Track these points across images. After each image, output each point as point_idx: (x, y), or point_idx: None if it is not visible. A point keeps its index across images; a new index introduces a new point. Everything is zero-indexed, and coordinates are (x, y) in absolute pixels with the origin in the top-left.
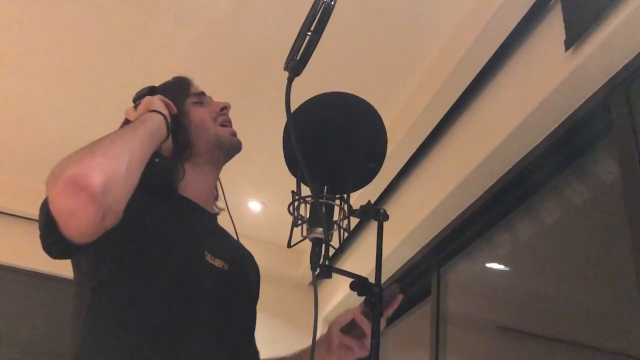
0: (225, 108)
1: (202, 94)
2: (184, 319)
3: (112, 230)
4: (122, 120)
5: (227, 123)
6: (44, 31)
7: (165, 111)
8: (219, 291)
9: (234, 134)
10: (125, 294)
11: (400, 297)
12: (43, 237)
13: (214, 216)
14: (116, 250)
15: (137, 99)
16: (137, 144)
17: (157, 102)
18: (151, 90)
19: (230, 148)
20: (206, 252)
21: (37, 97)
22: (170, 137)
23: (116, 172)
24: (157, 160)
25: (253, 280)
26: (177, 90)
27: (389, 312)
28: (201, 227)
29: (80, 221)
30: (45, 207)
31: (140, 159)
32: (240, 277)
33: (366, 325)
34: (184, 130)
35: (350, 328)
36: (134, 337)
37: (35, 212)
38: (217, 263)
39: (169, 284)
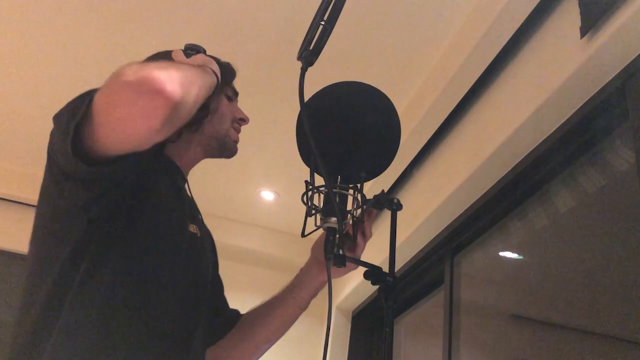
0: (242, 120)
1: (237, 94)
2: (170, 278)
3: (120, 180)
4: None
5: (237, 132)
6: (48, 14)
7: (218, 79)
8: (196, 254)
9: (237, 142)
10: (125, 252)
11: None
12: (65, 134)
13: (185, 181)
14: (113, 201)
15: (191, 49)
16: (202, 88)
17: (216, 67)
18: (203, 52)
19: (227, 149)
20: (189, 222)
21: (31, 83)
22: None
23: (188, 97)
24: None
25: (211, 247)
26: (225, 73)
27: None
28: (185, 195)
29: (142, 124)
30: (86, 100)
31: (199, 103)
32: (207, 243)
33: (358, 237)
34: (205, 108)
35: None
36: (127, 293)
37: (28, 198)
38: (193, 229)
39: (162, 247)
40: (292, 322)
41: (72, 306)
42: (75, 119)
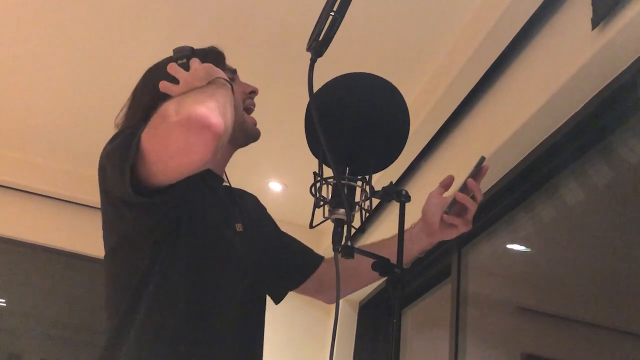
0: (253, 92)
1: (235, 71)
2: (222, 281)
3: (169, 197)
4: (121, 103)
5: (252, 107)
6: (51, 6)
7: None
8: (242, 249)
9: (255, 124)
10: (181, 263)
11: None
12: (121, 174)
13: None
14: (171, 220)
15: (181, 55)
16: (231, 105)
17: (222, 73)
18: (192, 51)
19: (251, 135)
20: (233, 222)
21: (33, 73)
22: None
23: (228, 122)
24: None
25: (263, 226)
26: (215, 60)
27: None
28: (225, 199)
29: (194, 157)
30: (131, 142)
31: (233, 119)
32: (252, 235)
33: (467, 201)
34: None
35: (451, 207)
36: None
37: (41, 188)
38: (238, 227)
39: (212, 255)
40: None
41: (143, 320)
42: (128, 161)
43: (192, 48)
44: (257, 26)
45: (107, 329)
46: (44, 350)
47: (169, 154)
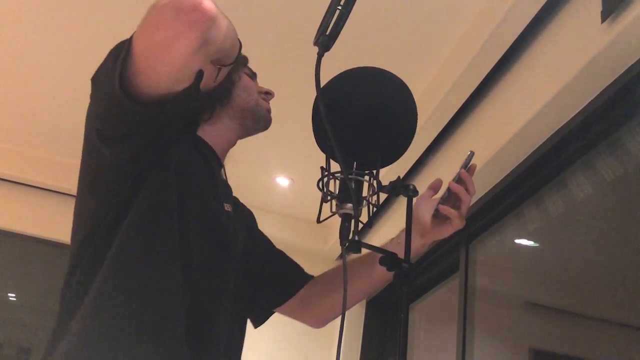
0: (269, 94)
1: (255, 74)
2: (203, 247)
3: (156, 160)
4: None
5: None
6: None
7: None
8: (231, 230)
9: (269, 111)
10: (161, 219)
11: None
12: (112, 75)
13: (221, 166)
14: (160, 179)
15: None
16: (230, 28)
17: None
18: None
19: (262, 119)
20: (223, 201)
21: (31, 64)
22: (220, 71)
23: (221, 21)
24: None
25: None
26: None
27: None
28: (219, 178)
29: (180, 41)
30: (126, 42)
31: (228, 41)
32: (240, 221)
33: (461, 191)
34: (230, 83)
35: (445, 199)
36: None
37: (52, 184)
38: (227, 207)
39: (196, 216)
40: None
41: (105, 273)
42: (120, 56)
43: None
44: (264, 21)
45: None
46: None
47: (157, 39)
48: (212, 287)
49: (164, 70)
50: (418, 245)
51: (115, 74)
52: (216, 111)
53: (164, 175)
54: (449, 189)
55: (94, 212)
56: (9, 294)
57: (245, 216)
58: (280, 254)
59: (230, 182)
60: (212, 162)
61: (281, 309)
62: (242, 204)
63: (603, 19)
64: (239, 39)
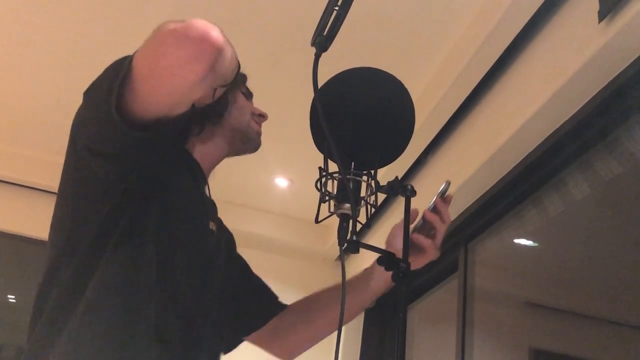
0: (263, 117)
1: (251, 94)
2: (188, 263)
3: (153, 149)
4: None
5: (259, 126)
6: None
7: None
8: (212, 248)
9: (260, 134)
10: (148, 234)
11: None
12: (107, 95)
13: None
14: (147, 194)
15: None
16: (234, 53)
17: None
18: None
19: (251, 141)
20: (209, 219)
21: (29, 65)
22: (217, 91)
23: (227, 49)
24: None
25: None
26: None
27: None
28: (205, 196)
29: (189, 70)
30: (126, 62)
31: (233, 66)
32: (223, 241)
33: (437, 221)
34: (225, 102)
35: (419, 228)
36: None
37: (50, 185)
38: (212, 225)
39: (183, 232)
40: (357, 311)
41: (95, 285)
42: (119, 77)
43: None
44: (262, 22)
45: (43, 307)
46: None
47: (163, 65)
48: (195, 307)
49: (164, 97)
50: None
51: (111, 97)
52: (207, 128)
53: (151, 192)
54: (423, 218)
55: (78, 224)
56: (9, 296)
57: (226, 237)
58: (256, 281)
59: (228, 182)
60: (199, 178)
61: (250, 338)
62: (224, 225)
63: (600, 19)
64: (238, 61)
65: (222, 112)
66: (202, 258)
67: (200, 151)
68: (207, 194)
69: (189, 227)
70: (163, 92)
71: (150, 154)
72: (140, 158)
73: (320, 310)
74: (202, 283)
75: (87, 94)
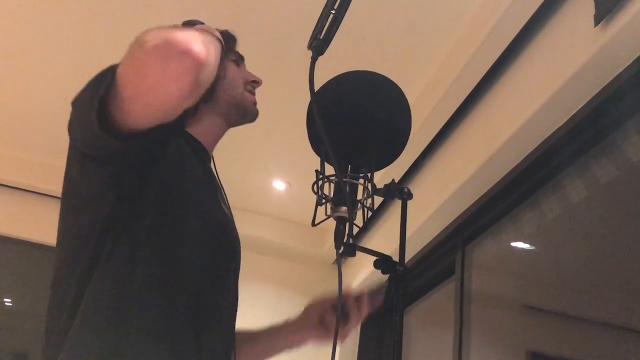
0: (256, 82)
1: (242, 57)
2: (202, 255)
3: (146, 153)
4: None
5: (253, 93)
6: (65, 7)
7: (221, 42)
8: (229, 232)
9: (255, 103)
10: (152, 229)
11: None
12: (88, 110)
13: (211, 158)
14: (156, 186)
15: (189, 24)
16: (217, 48)
17: (216, 32)
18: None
19: (248, 113)
20: (221, 202)
21: (31, 69)
22: None
23: (210, 56)
24: None
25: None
26: (226, 39)
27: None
28: (212, 174)
29: (173, 88)
30: (108, 76)
31: (217, 63)
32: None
33: (355, 312)
34: (215, 79)
35: (337, 309)
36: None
37: (47, 188)
38: (225, 208)
39: (193, 223)
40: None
41: (94, 286)
42: (99, 93)
43: (202, 23)
44: (259, 25)
45: (56, 314)
46: None
47: (147, 84)
48: (215, 294)
49: (152, 112)
50: (299, 338)
51: (92, 113)
52: (200, 107)
53: (159, 184)
54: (344, 302)
55: (87, 226)
56: (5, 299)
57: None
58: None
59: (226, 185)
60: (204, 157)
61: None
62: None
63: (596, 23)
64: (233, 35)
65: (213, 90)
66: (218, 241)
67: (199, 131)
68: (213, 170)
69: (203, 213)
70: (150, 108)
71: (144, 152)
72: (136, 157)
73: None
74: (220, 270)
75: (74, 104)
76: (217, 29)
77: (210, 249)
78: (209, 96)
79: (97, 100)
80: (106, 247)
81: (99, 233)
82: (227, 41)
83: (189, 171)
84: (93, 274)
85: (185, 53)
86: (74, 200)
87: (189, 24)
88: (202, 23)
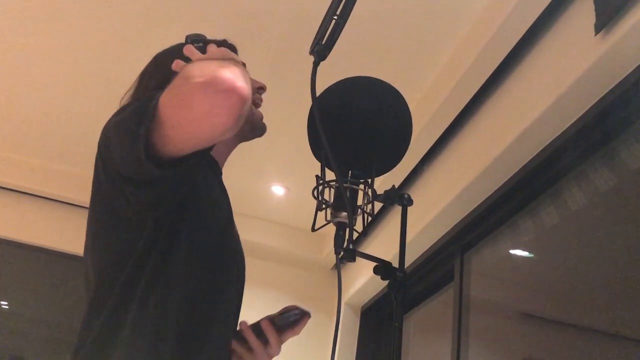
0: (262, 89)
1: (244, 64)
2: (226, 277)
3: (186, 177)
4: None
5: (259, 102)
6: (51, 8)
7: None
8: (239, 253)
9: (262, 118)
10: (188, 248)
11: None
12: (133, 140)
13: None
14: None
15: (197, 39)
16: (248, 80)
17: (237, 57)
18: (207, 40)
19: (257, 129)
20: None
21: (39, 75)
22: None
23: (250, 91)
24: None
25: None
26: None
27: (287, 336)
28: (224, 188)
29: (217, 122)
30: (148, 106)
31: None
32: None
33: (272, 335)
34: None
35: (258, 331)
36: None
37: (45, 191)
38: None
39: (219, 239)
40: None
41: (141, 306)
42: (144, 124)
43: (204, 37)
44: (261, 31)
45: (89, 327)
46: (46, 353)
47: (192, 117)
48: (228, 309)
49: (195, 141)
50: None
51: (139, 142)
52: None
53: (193, 208)
54: (260, 325)
55: (126, 248)
56: (2, 302)
57: None
58: None
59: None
60: (217, 172)
61: None
62: None
63: (597, 31)
64: (233, 45)
65: None
66: (234, 258)
67: (213, 150)
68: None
69: (221, 227)
70: (193, 138)
71: (187, 176)
72: (174, 185)
73: None
74: (236, 284)
75: (114, 130)
76: (216, 39)
77: (234, 271)
78: None
79: (144, 130)
80: (146, 270)
81: (138, 255)
82: None
83: (213, 191)
84: (134, 298)
85: (231, 90)
86: (110, 220)
87: (197, 41)
88: (205, 36)
